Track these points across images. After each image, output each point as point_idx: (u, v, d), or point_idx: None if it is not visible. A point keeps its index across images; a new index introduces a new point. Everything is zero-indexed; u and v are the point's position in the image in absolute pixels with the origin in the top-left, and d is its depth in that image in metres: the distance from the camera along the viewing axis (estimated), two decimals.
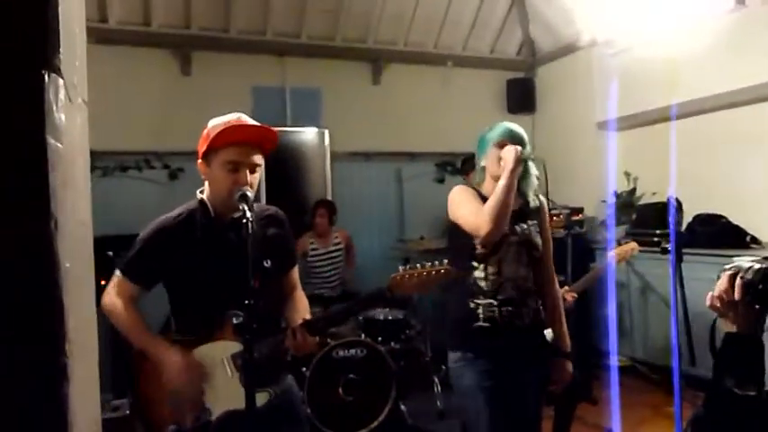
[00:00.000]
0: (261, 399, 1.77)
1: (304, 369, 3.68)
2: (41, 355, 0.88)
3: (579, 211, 5.38)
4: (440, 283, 1.88)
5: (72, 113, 1.02)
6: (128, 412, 3.94)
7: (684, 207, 4.43)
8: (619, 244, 3.46)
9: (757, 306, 1.32)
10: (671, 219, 3.98)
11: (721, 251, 4.18)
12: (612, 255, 3.32)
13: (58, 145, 0.91)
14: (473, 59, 6.44)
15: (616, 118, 5.39)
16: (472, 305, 2.15)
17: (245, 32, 5.59)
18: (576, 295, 3.22)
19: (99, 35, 4.86)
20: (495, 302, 2.15)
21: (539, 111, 6.60)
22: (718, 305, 1.34)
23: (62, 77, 0.92)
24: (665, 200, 4.88)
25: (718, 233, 4.44)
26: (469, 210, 2.14)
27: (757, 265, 1.36)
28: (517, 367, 2.15)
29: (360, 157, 5.96)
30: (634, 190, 5.42)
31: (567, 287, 3.29)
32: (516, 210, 2.19)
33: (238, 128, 1.89)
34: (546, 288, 2.31)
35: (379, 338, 3.95)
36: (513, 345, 2.15)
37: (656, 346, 4.77)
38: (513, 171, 2.08)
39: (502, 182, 2.08)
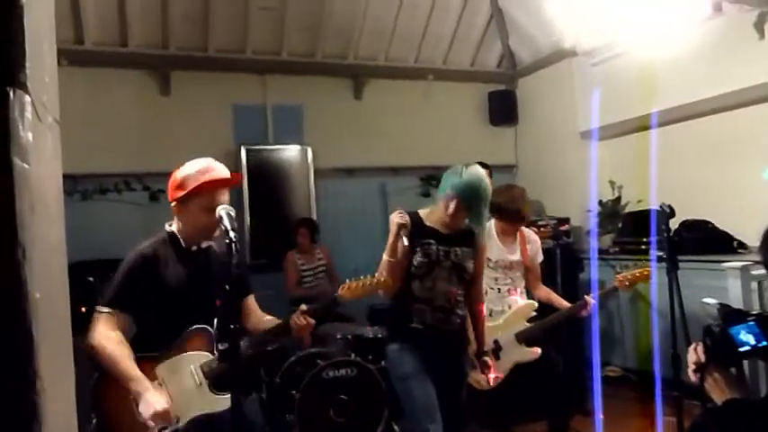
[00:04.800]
0: (223, 403, 1.99)
1: (294, 392, 3.59)
2: (9, 394, 0.81)
3: (566, 221, 5.37)
4: (378, 291, 2.47)
5: (41, 133, 0.96)
6: None
7: None
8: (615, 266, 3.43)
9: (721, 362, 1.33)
10: (653, 227, 3.97)
11: (709, 257, 4.18)
12: (595, 297, 3.32)
13: (25, 166, 0.84)
14: (454, 73, 6.45)
15: (598, 127, 5.41)
16: (410, 309, 2.59)
17: (224, 51, 5.55)
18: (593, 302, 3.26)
19: (75, 57, 4.78)
20: (428, 309, 2.59)
21: (521, 122, 6.61)
22: (696, 377, 1.37)
23: (29, 94, 0.86)
24: (650, 207, 4.90)
25: (705, 239, 4.44)
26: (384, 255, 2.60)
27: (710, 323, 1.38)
28: (442, 361, 2.61)
29: (343, 172, 5.92)
30: (619, 198, 5.42)
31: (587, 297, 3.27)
32: (458, 235, 2.63)
33: (213, 181, 2.14)
34: (474, 306, 2.77)
35: (369, 357, 3.87)
36: (440, 343, 2.61)
37: (647, 355, 4.74)
38: (391, 243, 2.55)
39: (384, 256, 2.57)
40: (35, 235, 0.87)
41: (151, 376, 2.04)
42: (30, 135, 0.87)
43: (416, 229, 2.60)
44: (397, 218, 2.58)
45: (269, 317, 2.38)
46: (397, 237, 2.54)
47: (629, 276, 3.28)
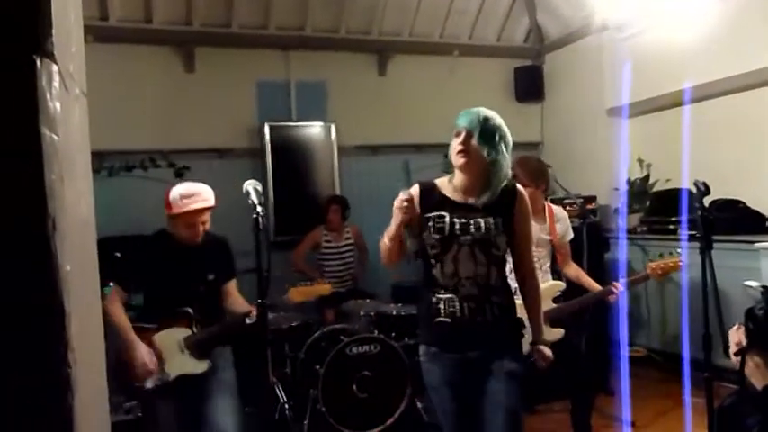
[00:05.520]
0: (202, 367, 2.71)
1: (318, 367, 3.62)
2: (42, 366, 0.81)
3: (592, 199, 5.29)
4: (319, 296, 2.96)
5: (69, 104, 0.95)
6: (140, 414, 3.90)
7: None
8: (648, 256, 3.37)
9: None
10: (684, 206, 3.88)
11: (741, 237, 4.09)
12: (623, 282, 3.25)
13: (54, 137, 0.83)
14: (480, 48, 6.34)
15: (627, 104, 5.28)
16: (434, 299, 2.15)
17: (248, 27, 5.51)
18: (621, 288, 3.19)
19: (100, 33, 4.79)
20: (456, 298, 2.14)
21: (547, 98, 6.49)
22: (736, 360, 1.33)
23: (56, 63, 0.84)
24: (679, 186, 4.80)
25: (736, 219, 4.34)
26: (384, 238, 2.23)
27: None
28: (481, 361, 2.13)
29: (367, 150, 5.88)
30: (648, 177, 5.31)
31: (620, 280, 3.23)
32: (477, 206, 2.16)
33: (191, 211, 2.68)
34: (525, 284, 2.31)
35: (393, 334, 3.88)
36: (476, 339, 2.13)
37: (674, 336, 4.68)
38: (394, 223, 2.14)
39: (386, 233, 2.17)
40: (65, 207, 0.87)
41: (150, 342, 2.70)
42: (58, 105, 0.85)
43: (426, 200, 2.21)
44: (397, 203, 2.15)
45: (241, 304, 2.86)
46: (401, 226, 2.17)
47: (662, 265, 3.20)
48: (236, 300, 2.96)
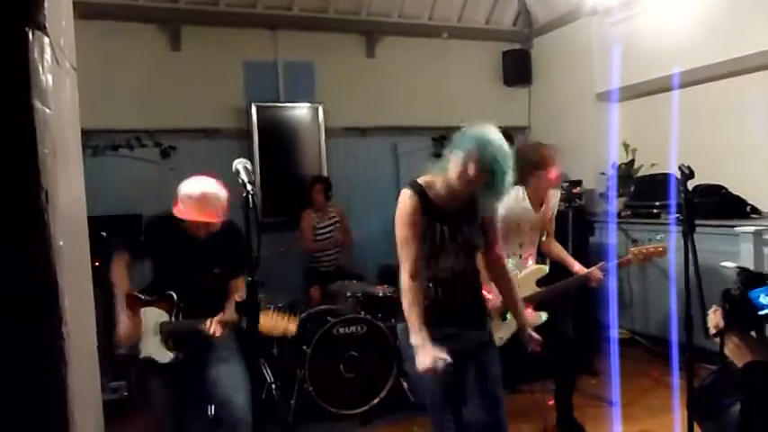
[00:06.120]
0: (167, 356, 2.61)
1: (305, 347, 3.64)
2: (37, 339, 0.82)
3: (578, 183, 5.32)
4: None
5: (60, 77, 0.94)
6: (126, 394, 3.91)
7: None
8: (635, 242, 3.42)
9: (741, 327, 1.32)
10: (671, 190, 3.93)
11: (723, 221, 4.16)
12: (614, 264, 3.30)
13: (46, 110, 0.83)
14: (468, 31, 6.32)
15: (615, 89, 5.31)
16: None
17: (236, 5, 5.44)
18: (601, 276, 3.23)
19: (85, 10, 4.69)
20: (432, 285, 2.32)
21: (535, 83, 6.50)
22: (716, 341, 1.36)
23: (48, 36, 0.84)
24: (664, 171, 4.85)
25: (719, 204, 4.40)
26: (403, 246, 2.26)
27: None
28: (456, 336, 2.31)
29: (355, 132, 5.87)
30: (633, 162, 5.36)
31: (601, 264, 3.27)
32: (466, 212, 2.33)
33: (196, 221, 2.57)
34: (499, 279, 2.50)
35: (379, 315, 3.91)
36: (451, 319, 2.32)
37: (656, 318, 4.77)
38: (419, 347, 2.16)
39: (412, 340, 2.17)
40: (57, 180, 0.87)
41: (136, 311, 2.67)
42: (50, 78, 0.85)
43: (423, 212, 2.29)
44: (434, 363, 2.12)
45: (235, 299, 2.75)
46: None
47: (644, 251, 3.26)
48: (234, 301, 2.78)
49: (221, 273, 2.68)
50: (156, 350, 2.64)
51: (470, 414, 2.29)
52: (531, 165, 3.12)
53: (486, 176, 2.14)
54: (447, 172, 2.24)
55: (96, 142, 4.95)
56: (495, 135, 2.19)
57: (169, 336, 2.64)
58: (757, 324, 1.34)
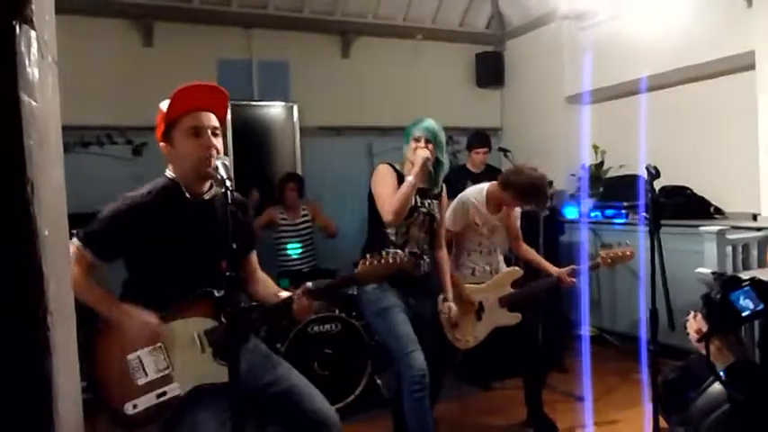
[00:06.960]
0: (225, 375, 1.63)
1: (279, 345, 3.65)
2: (23, 329, 0.82)
3: (549, 184, 5.41)
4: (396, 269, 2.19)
5: (45, 71, 0.95)
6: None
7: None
8: (605, 246, 3.53)
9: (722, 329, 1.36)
10: (640, 191, 4.04)
11: (687, 221, 4.29)
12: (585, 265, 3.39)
13: (32, 102, 0.84)
14: (442, 32, 6.38)
15: (585, 92, 5.43)
16: (384, 252, 2.38)
17: (210, 2, 5.41)
18: (574, 280, 3.34)
19: (56, 4, 4.61)
20: (403, 252, 2.59)
21: (507, 85, 6.60)
22: (700, 346, 1.40)
23: (34, 29, 0.85)
24: (633, 172, 4.98)
25: (683, 204, 4.54)
26: (384, 192, 2.72)
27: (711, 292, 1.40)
28: (414, 299, 2.83)
29: (329, 131, 5.88)
30: (602, 163, 5.48)
31: (571, 267, 3.34)
32: (427, 188, 2.84)
33: (190, 89, 1.94)
34: (437, 253, 2.98)
35: (353, 313, 3.93)
36: (413, 284, 2.79)
37: (624, 315, 4.88)
38: (419, 171, 2.69)
39: (409, 178, 2.69)
40: (42, 172, 0.88)
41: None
42: (36, 71, 0.86)
43: (399, 181, 2.75)
44: (424, 152, 2.72)
45: (272, 285, 2.23)
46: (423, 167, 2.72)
47: (612, 255, 3.35)
48: (266, 278, 2.27)
49: (237, 248, 1.68)
50: (207, 370, 1.87)
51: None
52: (514, 185, 3.19)
53: (427, 143, 2.75)
54: (407, 159, 2.81)
55: (66, 139, 4.83)
56: (425, 120, 2.82)
57: (219, 345, 1.91)
58: (738, 326, 1.40)
